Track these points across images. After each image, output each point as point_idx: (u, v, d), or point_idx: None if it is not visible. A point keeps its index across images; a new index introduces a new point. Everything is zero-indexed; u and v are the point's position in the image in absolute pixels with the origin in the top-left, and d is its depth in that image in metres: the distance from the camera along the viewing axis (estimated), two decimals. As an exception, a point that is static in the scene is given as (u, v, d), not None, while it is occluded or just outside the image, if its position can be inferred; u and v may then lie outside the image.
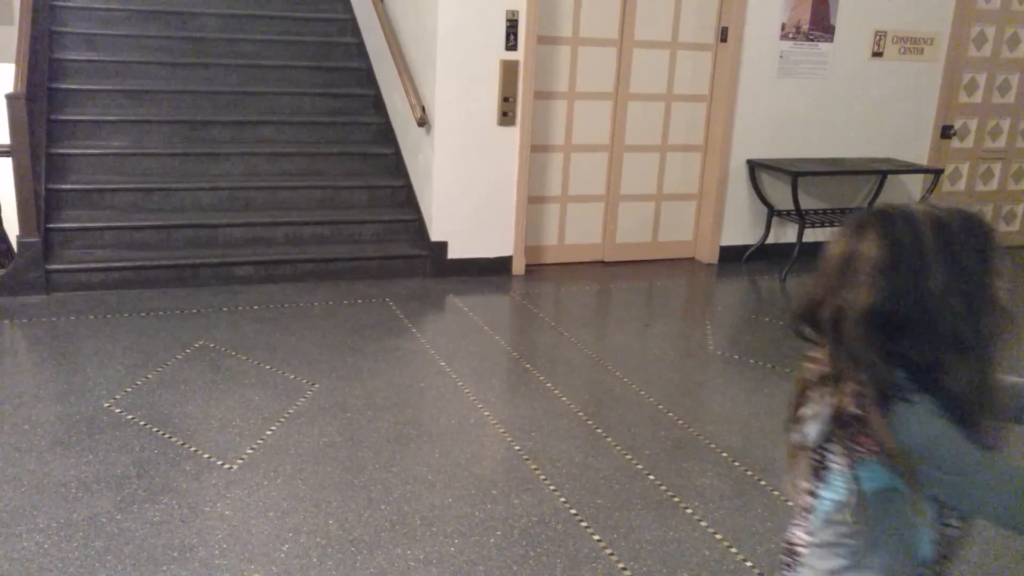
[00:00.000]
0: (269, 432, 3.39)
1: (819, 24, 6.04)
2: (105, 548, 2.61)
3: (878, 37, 6.22)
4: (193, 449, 3.23)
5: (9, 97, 4.77)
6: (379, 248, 5.60)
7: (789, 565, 1.40)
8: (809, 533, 1.36)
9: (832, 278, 1.26)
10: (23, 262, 4.81)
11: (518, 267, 5.69)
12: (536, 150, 5.68)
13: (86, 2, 6.30)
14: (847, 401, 1.24)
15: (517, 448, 3.37)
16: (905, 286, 1.21)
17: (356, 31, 6.82)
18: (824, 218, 6.28)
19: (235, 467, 3.12)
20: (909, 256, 1.21)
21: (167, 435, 3.32)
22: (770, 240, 6.34)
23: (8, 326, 4.41)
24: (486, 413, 3.67)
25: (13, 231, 5.44)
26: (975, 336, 1.21)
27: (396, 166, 6.03)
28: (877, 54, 6.27)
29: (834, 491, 1.29)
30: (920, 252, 1.20)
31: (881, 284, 1.21)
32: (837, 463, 1.28)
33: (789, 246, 6.17)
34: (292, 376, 3.93)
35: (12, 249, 6.34)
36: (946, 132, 6.70)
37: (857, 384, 1.23)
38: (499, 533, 2.80)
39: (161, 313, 4.63)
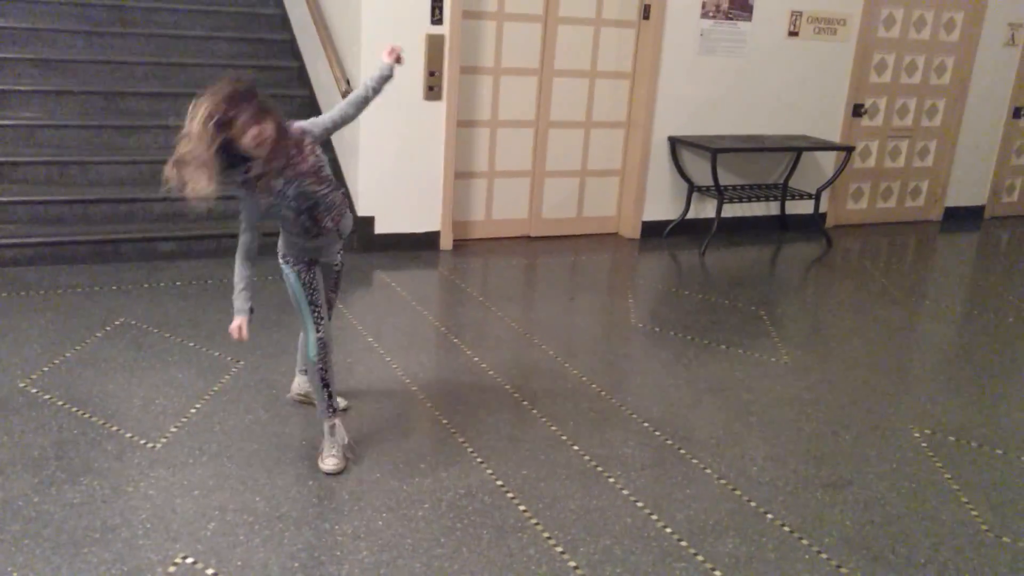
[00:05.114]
0: (194, 410, 3.37)
1: (738, 3, 6.18)
2: (22, 532, 2.56)
3: (794, 17, 6.39)
4: (115, 428, 3.19)
5: (-90, 66, 4.57)
6: (304, 223, 5.53)
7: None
8: None
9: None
10: (-71, 238, 4.63)
11: (446, 242, 5.72)
12: (463, 125, 5.69)
13: (-9, -34, 6.04)
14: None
15: (445, 422, 3.42)
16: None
17: (280, 2, 6.69)
18: (742, 194, 6.46)
19: (159, 446, 3.09)
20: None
21: (87, 415, 3.27)
22: (690, 215, 6.49)
23: (-85, 305, 4.25)
24: (414, 388, 3.71)
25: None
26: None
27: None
28: (793, 33, 6.44)
29: None
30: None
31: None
32: None
33: (708, 221, 6.34)
34: (217, 353, 3.89)
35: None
36: (857, 110, 6.95)
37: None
38: (427, 506, 2.85)
39: (79, 290, 4.53)
